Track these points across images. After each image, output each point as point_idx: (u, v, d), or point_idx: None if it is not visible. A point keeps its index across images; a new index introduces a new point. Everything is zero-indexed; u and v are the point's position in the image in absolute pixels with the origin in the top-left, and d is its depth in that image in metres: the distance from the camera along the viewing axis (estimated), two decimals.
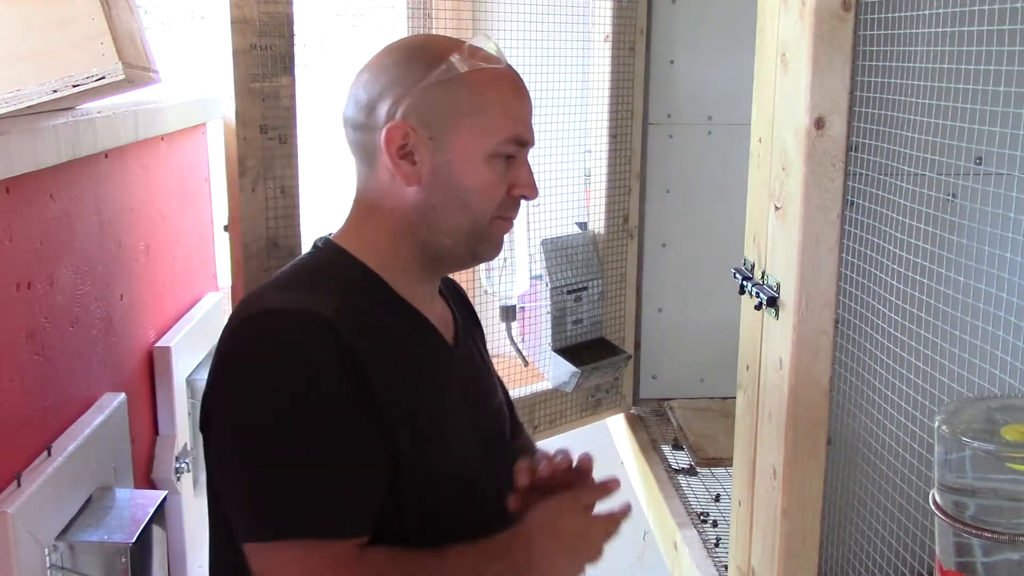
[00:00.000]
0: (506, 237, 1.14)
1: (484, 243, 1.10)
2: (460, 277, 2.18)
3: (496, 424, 1.21)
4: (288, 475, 0.94)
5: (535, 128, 1.12)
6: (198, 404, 1.91)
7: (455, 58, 1.03)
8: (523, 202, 1.11)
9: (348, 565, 0.94)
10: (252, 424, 0.96)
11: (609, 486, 1.08)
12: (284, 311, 0.98)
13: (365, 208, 1.09)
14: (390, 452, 0.99)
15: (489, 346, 1.34)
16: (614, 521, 1.06)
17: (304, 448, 0.94)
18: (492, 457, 1.16)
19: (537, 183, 1.11)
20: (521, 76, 1.10)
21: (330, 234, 1.12)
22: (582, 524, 1.04)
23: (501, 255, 1.19)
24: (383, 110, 1.04)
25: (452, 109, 1.03)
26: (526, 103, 1.09)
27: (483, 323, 1.34)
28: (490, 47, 1.07)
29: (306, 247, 1.15)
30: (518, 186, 1.08)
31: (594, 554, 1.05)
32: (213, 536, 1.07)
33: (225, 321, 1.04)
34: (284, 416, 0.94)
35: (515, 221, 1.14)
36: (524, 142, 1.08)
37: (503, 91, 1.06)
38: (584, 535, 1.03)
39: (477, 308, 1.35)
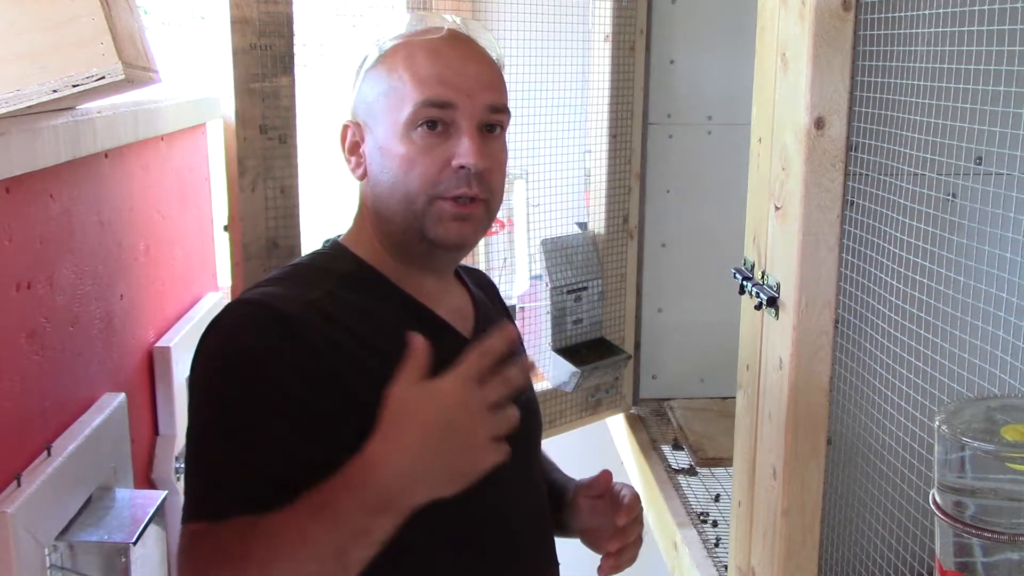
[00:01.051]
0: (505, 236, 1.12)
1: (430, 225, 1.02)
2: None
3: (524, 414, 1.14)
4: (196, 460, 0.95)
5: (535, 126, 1.10)
6: None
7: (377, 42, 1.05)
8: (525, 202, 1.09)
9: (203, 537, 0.89)
10: (190, 410, 0.98)
11: (500, 337, 0.87)
12: (244, 301, 1.00)
13: (358, 206, 1.11)
14: (356, 434, 0.87)
15: None
16: (471, 372, 0.84)
17: (212, 436, 0.94)
18: (516, 446, 1.07)
19: (534, 180, 1.07)
20: (517, 73, 1.08)
21: (339, 236, 1.13)
22: (426, 400, 0.84)
23: (501, 255, 1.17)
24: (347, 110, 1.09)
25: (374, 93, 1.05)
26: (447, 63, 1.01)
27: None
28: (432, 21, 1.05)
29: (306, 247, 1.16)
30: (455, 155, 1.00)
31: (470, 434, 0.83)
32: None
33: None
34: (204, 404, 0.96)
35: (511, 216, 1.10)
36: (443, 103, 1.00)
37: (415, 59, 1.02)
38: (437, 414, 0.83)
39: None
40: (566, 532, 1.21)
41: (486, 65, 1.05)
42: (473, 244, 1.11)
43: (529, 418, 1.13)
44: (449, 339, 1.07)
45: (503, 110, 1.05)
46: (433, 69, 1.01)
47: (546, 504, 1.17)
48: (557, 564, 1.15)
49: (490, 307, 1.20)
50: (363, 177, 1.08)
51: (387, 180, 1.03)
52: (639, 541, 1.17)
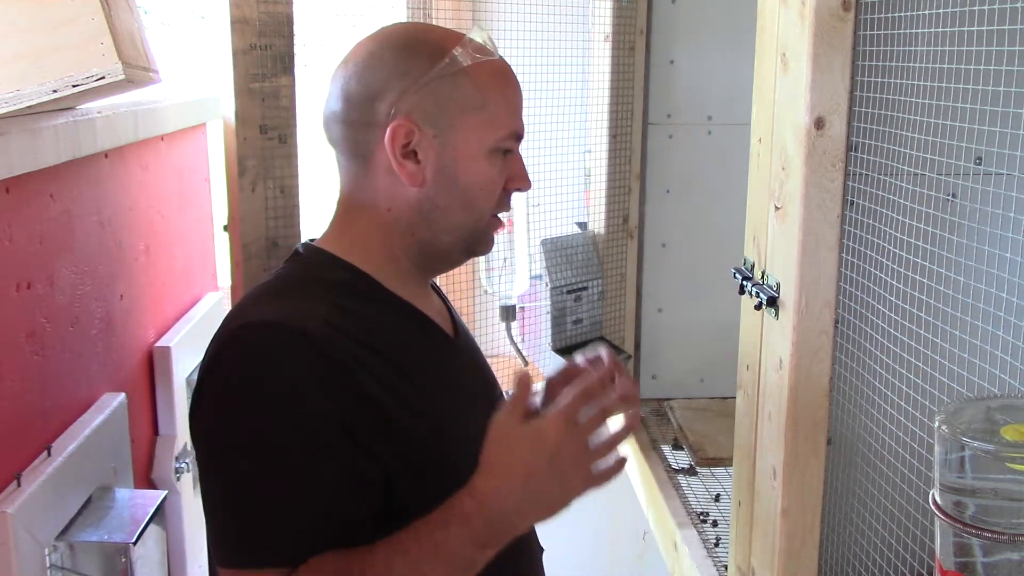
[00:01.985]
0: (505, 236, 1.13)
1: (481, 241, 1.07)
2: (460, 277, 2.19)
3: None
4: (241, 501, 0.91)
5: (534, 127, 1.11)
6: None
7: (458, 51, 1.00)
8: (525, 202, 1.11)
9: None
10: (219, 442, 0.93)
11: (521, 377, 0.92)
12: (261, 324, 0.95)
13: (354, 208, 1.05)
14: (393, 454, 0.94)
15: (489, 346, 1.35)
16: (609, 443, 0.89)
17: (262, 472, 0.91)
18: None
19: (534, 180, 1.09)
20: (517, 73, 1.08)
21: (312, 240, 1.09)
22: (531, 440, 0.88)
23: (501, 254, 1.18)
24: (383, 106, 0.99)
25: (457, 105, 1.00)
26: (520, 95, 1.07)
27: (483, 323, 1.34)
28: (484, 39, 1.04)
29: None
30: (514, 179, 1.05)
31: (574, 469, 0.87)
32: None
33: None
34: (248, 440, 0.91)
35: (511, 217, 1.12)
36: (521, 136, 1.06)
37: (504, 85, 1.04)
38: (540, 453, 0.87)
39: (477, 308, 1.35)
40: None
41: None
42: None
43: None
44: (441, 341, 1.10)
45: None
46: (518, 99, 1.06)
47: None
48: (542, 549, 1.17)
49: (449, 303, 1.22)
50: (416, 184, 1.01)
51: (458, 194, 1.02)
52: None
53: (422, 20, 2.13)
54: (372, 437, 0.93)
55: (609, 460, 0.91)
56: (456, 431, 1.02)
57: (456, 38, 1.02)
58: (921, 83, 1.12)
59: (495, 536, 0.88)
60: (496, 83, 1.03)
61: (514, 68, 1.10)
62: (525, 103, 1.09)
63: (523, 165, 1.07)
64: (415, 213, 1.03)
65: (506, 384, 1.17)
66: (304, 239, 1.13)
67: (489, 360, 1.26)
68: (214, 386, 0.94)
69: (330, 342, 0.93)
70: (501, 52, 1.09)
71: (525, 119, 1.09)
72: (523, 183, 1.06)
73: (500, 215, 1.07)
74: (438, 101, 1.00)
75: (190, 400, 1.01)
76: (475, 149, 1.01)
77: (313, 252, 1.06)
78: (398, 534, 0.90)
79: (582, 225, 2.41)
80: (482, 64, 1.02)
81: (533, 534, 1.13)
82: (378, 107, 1.00)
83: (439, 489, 0.93)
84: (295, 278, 1.04)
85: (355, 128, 1.02)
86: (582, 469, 0.89)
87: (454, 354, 1.12)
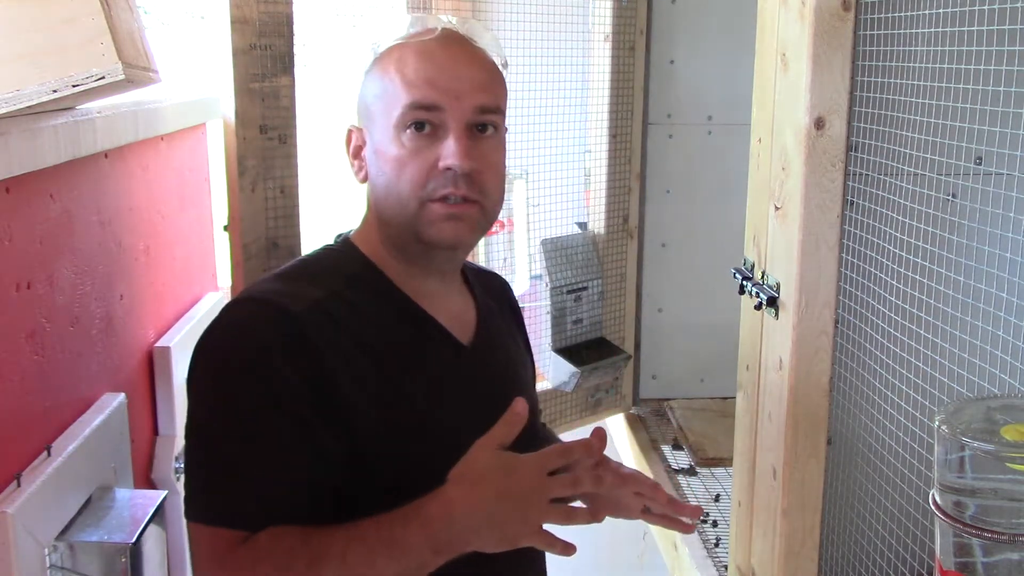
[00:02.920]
0: (505, 236, 1.12)
1: (423, 227, 1.03)
2: None
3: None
4: (207, 459, 0.96)
5: (535, 127, 1.09)
6: None
7: (374, 45, 1.06)
8: (525, 202, 1.09)
9: (231, 548, 0.92)
10: (195, 406, 0.98)
11: (514, 408, 0.93)
12: (248, 299, 1.01)
13: (366, 206, 1.12)
14: (350, 442, 0.97)
15: None
16: (550, 464, 0.90)
17: (226, 436, 0.95)
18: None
19: (534, 180, 1.08)
20: (517, 73, 1.06)
21: (351, 231, 1.14)
22: (504, 465, 0.90)
23: (501, 255, 1.17)
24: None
25: (370, 96, 1.06)
26: (436, 65, 1.02)
27: None
28: (428, 23, 1.05)
29: (306, 247, 1.17)
30: (442, 157, 1.00)
31: (533, 506, 0.88)
32: None
33: None
34: (218, 403, 0.96)
35: (511, 216, 1.11)
36: (430, 105, 1.01)
37: (406, 61, 1.02)
38: (509, 478, 0.89)
39: None
40: None
41: (477, 66, 1.05)
42: (469, 244, 1.10)
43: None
44: (442, 344, 1.08)
45: (494, 111, 1.04)
46: (421, 71, 1.01)
47: None
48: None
49: (496, 315, 1.19)
50: (364, 180, 1.09)
51: (382, 183, 1.05)
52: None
53: None
54: (332, 417, 0.96)
55: (567, 511, 0.91)
56: (425, 432, 1.02)
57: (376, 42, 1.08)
58: (921, 83, 1.12)
59: (450, 545, 0.89)
60: (396, 62, 1.03)
61: (514, 68, 1.09)
62: (525, 102, 1.09)
63: (453, 142, 1.01)
64: (380, 204, 1.06)
65: None
66: (306, 240, 1.15)
67: None
68: (197, 352, 0.99)
69: (308, 323, 0.97)
70: (504, 52, 1.08)
71: (525, 118, 1.08)
72: (450, 159, 1.00)
73: (441, 198, 1.02)
74: (362, 98, 1.07)
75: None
76: (385, 133, 1.03)
77: (341, 243, 1.12)
78: (356, 522, 0.90)
79: (582, 225, 2.41)
80: (390, 49, 1.05)
81: None
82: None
83: (390, 482, 0.96)
84: (312, 263, 1.09)
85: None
86: (540, 515, 0.89)
87: (454, 361, 1.09)
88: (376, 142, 1.05)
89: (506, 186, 1.13)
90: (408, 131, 1.02)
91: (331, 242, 1.13)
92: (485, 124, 1.04)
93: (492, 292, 1.22)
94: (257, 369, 0.95)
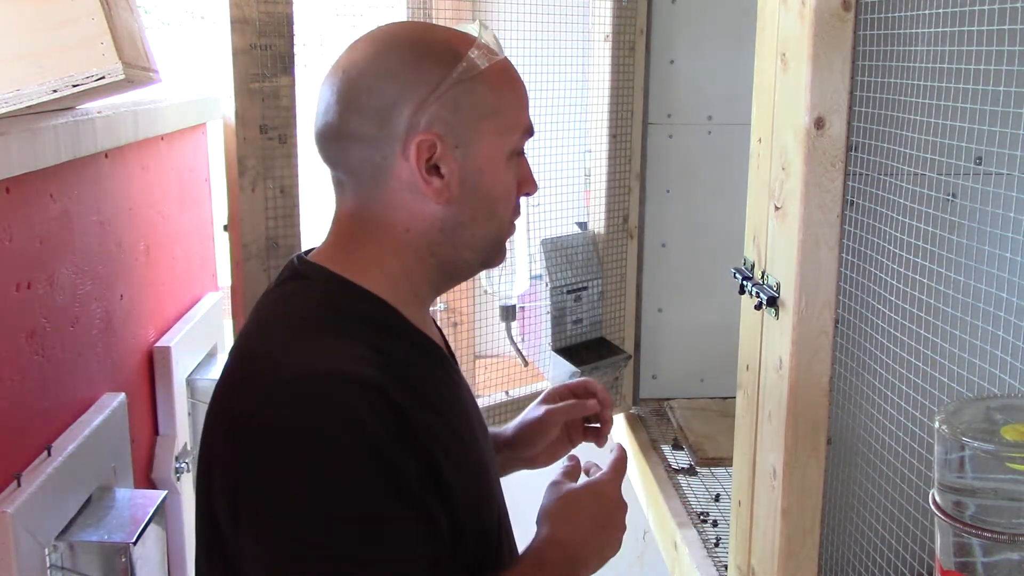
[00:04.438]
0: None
1: (499, 252, 1.01)
2: None
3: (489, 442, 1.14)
4: (348, 567, 0.82)
5: (536, 126, 1.03)
6: (198, 404, 1.92)
7: (474, 54, 0.93)
8: (525, 202, 1.06)
9: None
10: (307, 508, 0.82)
11: (620, 455, 1.07)
12: (325, 377, 0.85)
13: (362, 229, 0.96)
14: (448, 508, 0.90)
15: (489, 346, 1.34)
16: (617, 478, 1.04)
17: (364, 534, 0.82)
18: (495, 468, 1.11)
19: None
20: (520, 74, 1.02)
21: (306, 253, 1.00)
22: (600, 503, 1.01)
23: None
24: (400, 119, 0.91)
25: (475, 112, 0.93)
26: (526, 90, 1.00)
27: (483, 323, 1.34)
28: (490, 38, 0.98)
29: (306, 247, 1.04)
30: (524, 183, 0.99)
31: (620, 527, 1.02)
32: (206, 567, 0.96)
33: (226, 323, 1.00)
34: (336, 514, 0.82)
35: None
36: (532, 132, 1.00)
37: (513, 82, 0.97)
38: (605, 512, 1.01)
39: (477, 308, 1.35)
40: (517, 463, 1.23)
41: None
42: None
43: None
44: (448, 368, 1.03)
45: None
46: (525, 97, 0.99)
47: None
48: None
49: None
50: (442, 201, 0.93)
51: (483, 207, 0.95)
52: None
53: (422, 20, 2.13)
54: (436, 492, 0.89)
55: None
56: (481, 470, 1.01)
57: (464, 39, 0.95)
58: (921, 83, 1.12)
59: None
60: (507, 82, 0.96)
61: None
62: None
63: (529, 167, 1.00)
64: (437, 232, 0.95)
65: (502, 385, 1.18)
66: (306, 240, 1.10)
67: (489, 360, 1.26)
68: (285, 447, 0.83)
69: (391, 387, 0.86)
70: (472, 23, 1.01)
71: None
72: (532, 187, 1.00)
73: (515, 221, 1.01)
74: (456, 109, 0.92)
75: (233, 459, 0.87)
76: (496, 156, 0.95)
77: (323, 275, 0.96)
78: None
79: (582, 225, 2.41)
80: (495, 64, 0.95)
81: (515, 547, 1.10)
82: (393, 120, 0.91)
83: (471, 526, 0.95)
84: (320, 310, 0.94)
85: (364, 144, 0.92)
86: (624, 523, 1.02)
87: (459, 382, 1.05)
88: (480, 162, 0.94)
89: None
90: (515, 157, 0.97)
91: (303, 275, 0.96)
92: None
93: None
94: (371, 464, 0.82)
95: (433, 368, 0.99)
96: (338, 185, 0.98)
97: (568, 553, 0.97)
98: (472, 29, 0.97)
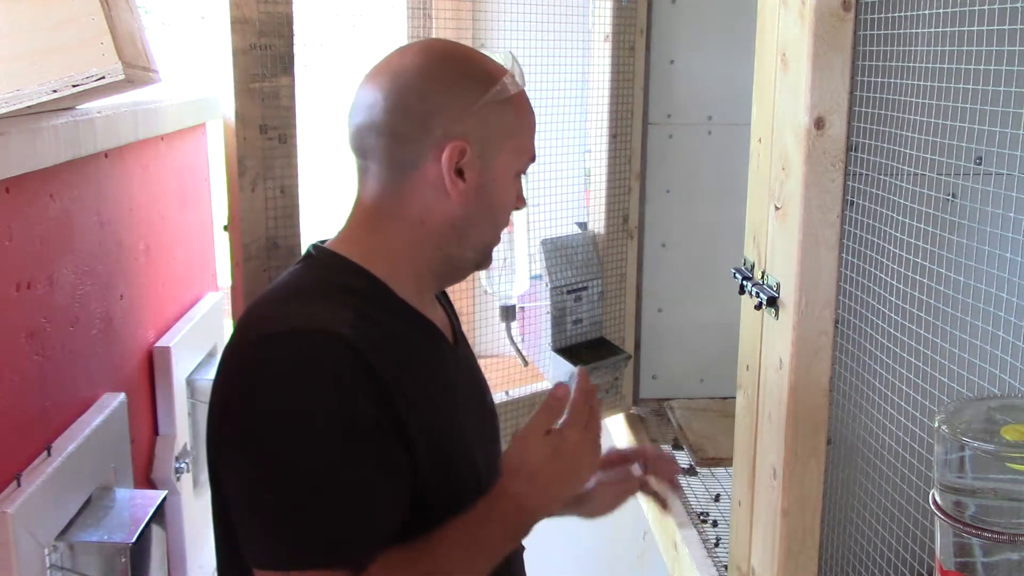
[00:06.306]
0: (505, 236, 1.16)
1: (490, 255, 1.14)
2: None
3: (495, 421, 1.23)
4: (302, 502, 0.93)
5: (536, 126, 1.13)
6: (198, 404, 1.92)
7: (507, 80, 1.06)
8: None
9: None
10: (272, 450, 0.94)
11: (556, 393, 1.03)
12: (305, 331, 0.96)
13: (380, 217, 1.07)
14: (412, 464, 0.99)
15: (489, 346, 1.36)
16: (582, 421, 1.03)
17: (321, 476, 0.93)
18: (494, 454, 1.17)
19: (534, 180, 1.14)
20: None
21: (322, 241, 1.10)
22: (552, 448, 1.01)
23: (501, 254, 1.21)
24: (439, 124, 1.02)
25: (501, 130, 1.06)
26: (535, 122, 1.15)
27: (483, 323, 1.35)
28: (516, 69, 1.10)
29: (306, 247, 1.11)
30: (518, 199, 1.12)
31: (585, 466, 1.03)
32: (223, 546, 1.04)
33: (226, 323, 1.03)
34: (299, 443, 0.93)
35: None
36: (535, 159, 1.14)
37: (529, 113, 1.11)
38: (560, 457, 1.01)
39: (477, 308, 1.37)
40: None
41: None
42: None
43: (497, 421, 1.25)
44: (446, 349, 1.13)
45: None
46: (534, 127, 1.12)
47: None
48: (523, 547, 1.20)
49: (453, 313, 1.24)
50: (462, 201, 1.05)
51: (490, 213, 1.08)
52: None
53: (422, 20, 2.14)
54: (401, 437, 0.99)
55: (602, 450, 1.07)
56: (454, 440, 1.07)
57: (497, 65, 1.08)
58: (921, 83, 1.12)
59: (526, 528, 1.02)
60: (527, 111, 1.10)
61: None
62: None
63: (523, 187, 1.14)
64: (449, 228, 1.06)
65: (502, 385, 1.21)
66: (306, 240, 1.14)
67: (489, 360, 1.27)
68: (262, 396, 0.95)
69: (367, 347, 0.96)
70: (501, 51, 1.11)
71: None
72: (523, 203, 1.14)
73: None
74: (487, 125, 1.04)
75: (212, 410, 1.01)
76: (507, 172, 1.08)
77: (328, 255, 1.07)
78: (443, 530, 0.98)
79: (582, 225, 2.41)
80: (520, 93, 1.09)
81: None
82: (434, 124, 1.02)
83: (433, 486, 1.01)
84: (314, 281, 1.05)
85: (402, 140, 1.03)
86: (591, 462, 1.04)
87: (456, 362, 1.15)
88: (495, 174, 1.06)
89: None
90: (520, 180, 1.11)
91: (317, 256, 1.08)
92: None
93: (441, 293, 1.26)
94: (339, 406, 0.94)
95: (418, 339, 1.07)
96: (363, 172, 1.08)
97: (519, 505, 1.00)
98: (501, 57, 1.09)
